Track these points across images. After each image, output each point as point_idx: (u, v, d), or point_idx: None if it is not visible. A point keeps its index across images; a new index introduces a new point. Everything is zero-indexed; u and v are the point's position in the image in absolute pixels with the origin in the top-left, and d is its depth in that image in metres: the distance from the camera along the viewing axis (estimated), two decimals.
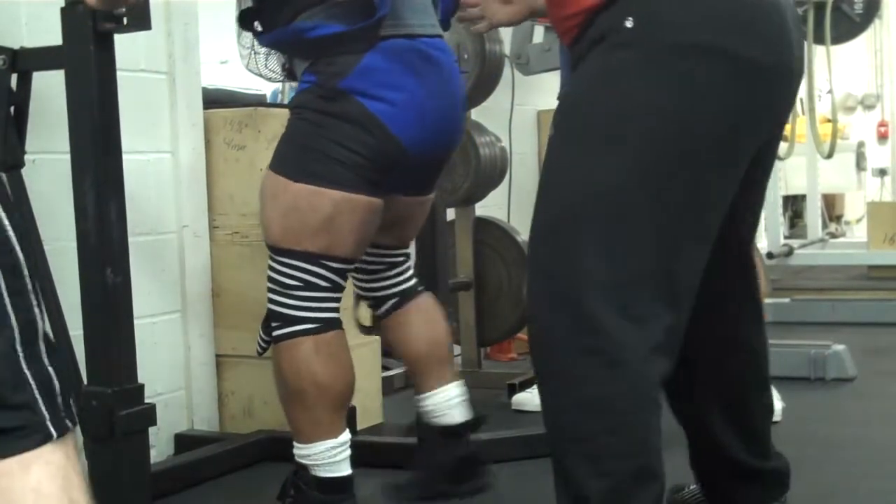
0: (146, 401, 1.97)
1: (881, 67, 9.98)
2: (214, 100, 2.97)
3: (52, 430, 1.00)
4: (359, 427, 2.72)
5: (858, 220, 8.89)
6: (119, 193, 1.93)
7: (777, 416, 2.80)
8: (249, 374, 2.78)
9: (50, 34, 2.03)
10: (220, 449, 2.59)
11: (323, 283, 1.97)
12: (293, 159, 1.97)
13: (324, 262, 1.96)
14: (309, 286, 1.96)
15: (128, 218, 1.96)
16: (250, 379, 2.78)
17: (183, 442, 2.71)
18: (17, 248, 0.98)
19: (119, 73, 1.95)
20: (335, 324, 1.99)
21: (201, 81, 2.86)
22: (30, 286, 1.00)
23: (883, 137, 9.48)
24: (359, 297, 2.37)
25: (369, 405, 2.93)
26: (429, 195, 2.20)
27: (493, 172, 3.38)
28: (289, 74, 2.17)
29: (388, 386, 3.36)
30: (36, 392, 0.99)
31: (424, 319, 2.25)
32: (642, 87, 1.49)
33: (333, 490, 1.97)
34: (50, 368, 1.01)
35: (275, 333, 1.98)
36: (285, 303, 1.96)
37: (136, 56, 2.62)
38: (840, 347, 3.38)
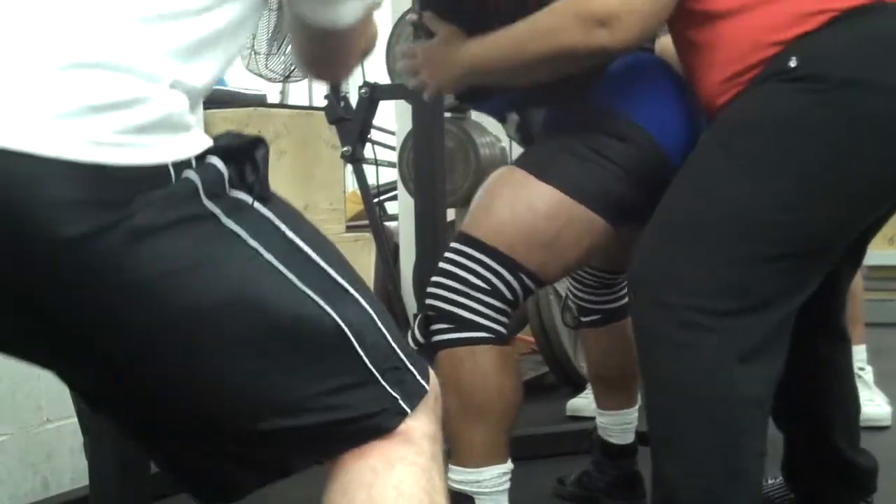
0: None
1: None
2: (214, 100, 2.97)
3: (402, 404, 1.01)
4: None
5: None
6: None
7: (886, 421, 2.85)
8: None
9: None
10: None
11: (508, 296, 1.76)
12: (544, 157, 1.80)
13: (522, 274, 1.76)
14: (495, 293, 1.75)
15: None
16: None
17: None
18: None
19: None
20: (507, 338, 1.81)
21: None
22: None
23: None
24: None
25: None
26: None
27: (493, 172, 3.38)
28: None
29: None
30: (379, 376, 1.00)
31: (622, 343, 2.20)
32: (802, 115, 1.51)
33: None
34: (392, 343, 1.02)
35: (448, 336, 1.76)
36: (466, 304, 1.75)
37: None
38: None
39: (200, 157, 0.93)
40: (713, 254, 1.52)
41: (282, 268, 0.94)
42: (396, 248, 3.96)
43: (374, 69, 3.19)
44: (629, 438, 2.30)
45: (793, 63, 1.51)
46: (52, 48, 0.87)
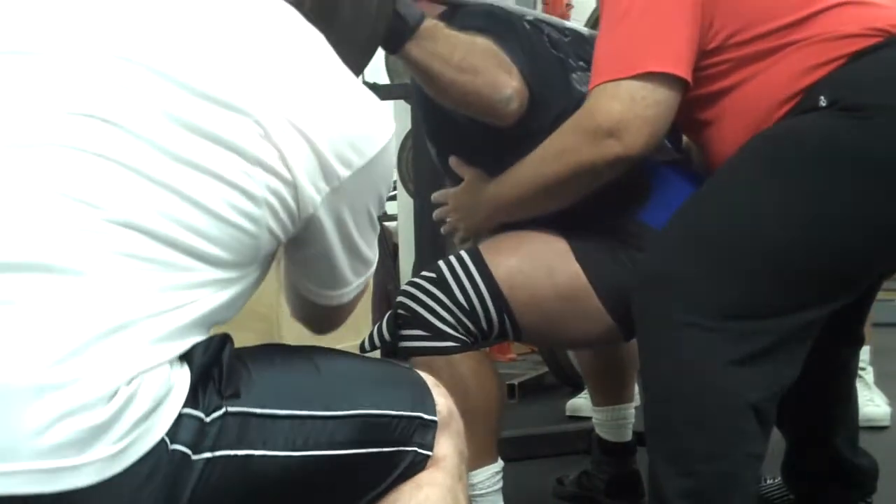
0: None
1: None
2: None
3: (422, 451, 1.12)
4: None
5: None
6: None
7: (885, 421, 2.86)
8: None
9: None
10: None
11: (483, 325, 1.72)
12: (586, 242, 1.75)
13: (507, 319, 1.73)
14: (472, 316, 1.71)
15: None
16: None
17: None
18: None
19: None
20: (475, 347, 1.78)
21: None
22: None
23: None
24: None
25: None
26: None
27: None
28: None
29: None
30: (398, 447, 1.11)
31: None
32: (836, 135, 1.49)
33: None
34: (395, 412, 1.11)
35: (419, 344, 1.72)
36: (437, 312, 1.71)
37: None
38: None
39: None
40: (722, 263, 1.51)
41: (273, 453, 1.01)
42: (396, 247, 3.97)
43: (374, 69, 3.19)
44: (625, 436, 2.30)
45: (823, 102, 1.51)
46: (29, 377, 0.86)
